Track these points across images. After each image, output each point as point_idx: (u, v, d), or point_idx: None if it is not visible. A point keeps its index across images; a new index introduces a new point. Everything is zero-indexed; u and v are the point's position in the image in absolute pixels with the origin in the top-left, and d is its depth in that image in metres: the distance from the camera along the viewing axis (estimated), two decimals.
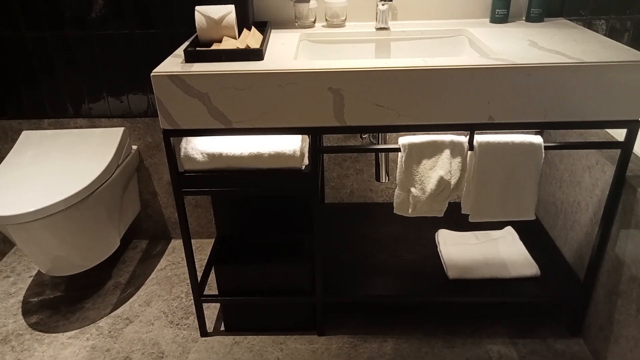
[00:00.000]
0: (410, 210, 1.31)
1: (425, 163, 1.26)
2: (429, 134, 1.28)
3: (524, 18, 1.60)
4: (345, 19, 1.61)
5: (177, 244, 2.06)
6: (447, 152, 1.25)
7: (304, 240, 1.61)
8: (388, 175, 1.65)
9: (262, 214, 1.68)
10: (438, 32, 1.54)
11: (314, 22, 1.61)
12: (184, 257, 1.95)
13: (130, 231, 2.04)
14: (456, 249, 1.64)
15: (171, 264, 1.94)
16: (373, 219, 1.85)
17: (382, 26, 1.55)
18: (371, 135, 1.64)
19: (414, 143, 1.26)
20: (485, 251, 1.63)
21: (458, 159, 1.25)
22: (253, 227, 1.69)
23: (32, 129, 1.85)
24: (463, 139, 1.26)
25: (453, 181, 1.26)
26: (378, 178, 1.65)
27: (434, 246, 1.70)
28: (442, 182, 1.25)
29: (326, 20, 1.61)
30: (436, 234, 1.73)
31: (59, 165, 1.62)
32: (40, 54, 1.74)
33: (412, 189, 1.28)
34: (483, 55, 1.33)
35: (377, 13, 1.54)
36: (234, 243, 1.62)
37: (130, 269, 1.92)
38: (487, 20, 1.61)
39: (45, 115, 1.84)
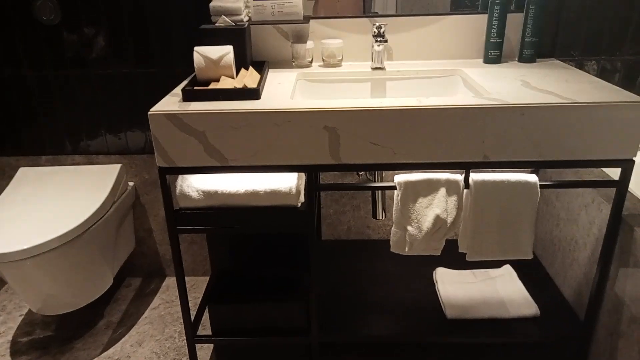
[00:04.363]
0: (407, 248, 1.30)
1: (422, 201, 1.26)
2: (424, 172, 1.29)
3: (516, 59, 1.63)
4: (342, 59, 1.64)
5: (171, 281, 2.03)
6: (443, 191, 1.25)
7: (300, 277, 1.59)
8: (385, 213, 1.65)
9: (258, 251, 1.66)
10: (433, 72, 1.57)
11: (311, 61, 1.64)
12: (177, 296, 1.92)
13: (124, 268, 2.02)
14: (454, 287, 1.62)
15: (165, 302, 1.91)
16: (370, 256, 1.83)
17: (378, 66, 1.58)
18: (367, 172, 1.64)
19: (410, 181, 1.26)
20: (484, 290, 1.61)
21: (454, 197, 1.25)
22: (248, 264, 1.67)
23: (30, 166, 1.86)
24: (459, 177, 1.27)
25: (449, 220, 1.25)
26: (375, 215, 1.64)
27: (431, 284, 1.67)
28: (438, 220, 1.24)
29: (323, 60, 1.64)
30: (434, 272, 1.71)
31: (54, 202, 1.62)
32: (40, 92, 1.77)
33: (409, 227, 1.28)
34: (477, 95, 1.35)
35: (372, 53, 1.57)
36: (229, 281, 1.60)
37: (122, 307, 1.89)
38: (481, 60, 1.64)
39: (43, 152, 1.85)
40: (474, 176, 1.26)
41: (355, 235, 1.98)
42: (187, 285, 1.91)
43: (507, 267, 1.70)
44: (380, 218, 1.65)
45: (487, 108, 1.19)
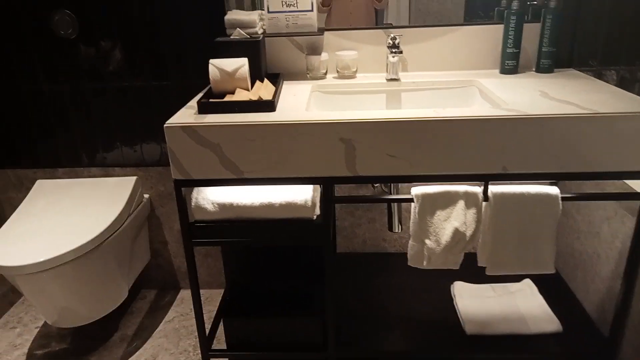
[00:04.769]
0: (425, 262, 1.28)
1: (440, 214, 1.23)
2: (442, 184, 1.27)
3: (533, 69, 1.61)
4: (356, 71, 1.63)
5: (186, 294, 2.02)
6: (461, 203, 1.23)
7: (316, 290, 1.57)
8: (401, 225, 1.62)
9: (273, 263, 1.65)
10: (448, 82, 1.55)
11: (326, 73, 1.64)
12: (192, 309, 1.91)
13: (138, 280, 2.01)
14: (473, 302, 1.59)
15: (179, 315, 1.90)
16: (386, 270, 1.81)
17: (393, 77, 1.57)
18: (382, 184, 1.63)
19: (427, 193, 1.24)
20: (504, 305, 1.57)
21: (473, 210, 1.23)
22: (263, 277, 1.66)
23: (47, 178, 1.87)
24: (477, 189, 1.24)
25: (468, 233, 1.23)
26: (391, 228, 1.62)
27: (449, 299, 1.64)
28: (457, 234, 1.22)
29: (337, 71, 1.63)
30: (452, 286, 1.68)
31: (71, 214, 1.62)
32: (56, 106, 1.79)
33: (427, 241, 1.26)
34: (495, 106, 1.33)
35: (387, 64, 1.57)
36: (244, 294, 1.58)
37: (137, 320, 1.88)
38: (497, 71, 1.62)
39: (60, 164, 1.87)
40: (493, 188, 1.24)
41: (371, 248, 1.95)
42: (201, 299, 1.90)
43: (527, 282, 1.67)
44: (396, 231, 1.63)
45: (506, 119, 1.17)
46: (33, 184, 1.86)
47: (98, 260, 1.56)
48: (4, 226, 1.58)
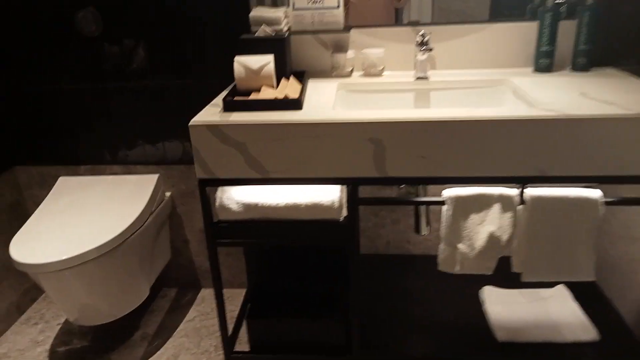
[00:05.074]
0: (457, 267, 1.23)
1: (474, 218, 1.19)
2: (475, 186, 1.22)
3: (569, 67, 1.55)
4: (383, 69, 1.59)
5: (207, 293, 2.00)
6: (497, 207, 1.18)
7: (339, 292, 1.54)
8: (429, 227, 1.58)
9: (295, 263, 1.62)
10: (479, 81, 1.50)
11: (351, 71, 1.60)
12: (214, 308, 1.90)
13: (159, 279, 2.00)
14: (504, 308, 1.54)
15: (200, 314, 1.88)
16: (411, 272, 1.76)
17: (421, 76, 1.52)
18: (409, 185, 1.58)
19: (461, 196, 1.20)
20: (536, 311, 1.52)
21: (509, 214, 1.18)
22: (286, 278, 1.63)
23: (69, 175, 1.87)
24: (513, 192, 1.19)
25: (504, 238, 1.18)
26: (418, 230, 1.57)
27: (478, 303, 1.59)
28: (492, 238, 1.17)
29: (363, 69, 1.59)
30: (480, 290, 1.63)
31: (93, 212, 1.61)
32: (79, 103, 1.78)
33: (460, 245, 1.21)
34: (530, 105, 1.27)
35: (415, 62, 1.52)
36: (267, 295, 1.56)
37: (158, 319, 1.87)
38: (530, 69, 1.56)
39: (83, 161, 1.86)
40: (530, 191, 1.19)
41: (395, 249, 1.91)
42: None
43: (560, 288, 1.61)
44: (424, 234, 1.58)
45: (544, 120, 1.12)
46: (55, 180, 1.85)
47: (120, 259, 1.54)
48: (27, 223, 1.57)
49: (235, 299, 1.95)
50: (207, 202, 1.28)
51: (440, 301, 1.61)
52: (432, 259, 1.71)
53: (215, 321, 1.83)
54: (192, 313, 1.89)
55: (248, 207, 1.29)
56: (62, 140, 1.85)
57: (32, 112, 1.82)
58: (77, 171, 1.88)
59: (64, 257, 1.39)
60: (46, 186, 1.91)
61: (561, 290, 1.60)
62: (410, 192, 1.66)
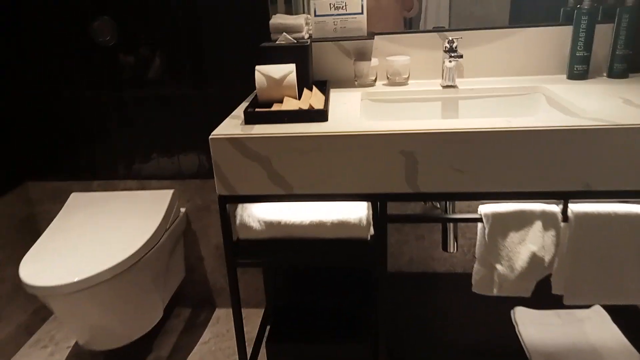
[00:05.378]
0: (495, 290, 1.14)
1: (513, 236, 1.10)
2: (514, 202, 1.13)
3: (605, 74, 1.47)
4: (408, 77, 1.52)
5: (222, 313, 1.92)
6: (538, 224, 1.09)
7: (363, 313, 1.45)
8: (457, 244, 1.49)
9: (316, 283, 1.54)
10: (511, 89, 1.42)
11: (375, 80, 1.53)
12: (229, 329, 1.82)
13: (173, 298, 1.93)
14: (538, 330, 1.44)
15: (215, 336, 1.80)
16: (436, 291, 1.68)
17: (449, 84, 1.45)
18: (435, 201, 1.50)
19: (499, 213, 1.11)
20: (572, 334, 1.42)
21: (552, 232, 1.09)
22: (307, 297, 1.55)
23: (82, 190, 1.81)
24: (556, 208, 1.11)
25: (547, 258, 1.09)
26: (446, 248, 1.49)
27: (509, 325, 1.50)
28: (534, 259, 1.08)
29: (388, 78, 1.52)
30: (512, 311, 1.54)
31: (106, 230, 1.55)
32: (92, 115, 1.73)
33: (498, 266, 1.12)
34: (570, 114, 1.19)
35: (443, 70, 1.45)
36: (287, 316, 1.47)
37: (172, 340, 1.79)
38: (563, 76, 1.48)
39: (96, 176, 1.80)
40: (574, 207, 1.10)
41: (419, 267, 1.82)
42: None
43: (597, 308, 1.51)
44: (452, 251, 1.50)
45: (590, 130, 1.03)
46: (68, 196, 1.79)
47: (134, 279, 1.47)
48: (37, 243, 1.50)
49: (251, 319, 1.86)
50: (227, 220, 1.20)
51: (470, 323, 1.52)
52: (458, 277, 1.62)
53: (231, 343, 1.75)
54: (206, 334, 1.81)
55: (270, 225, 1.21)
56: (74, 153, 1.79)
57: (44, 125, 1.77)
58: (90, 186, 1.82)
59: (75, 279, 1.32)
60: (58, 202, 1.85)
61: (598, 312, 1.50)
62: (434, 206, 1.59)
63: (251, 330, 1.81)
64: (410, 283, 1.73)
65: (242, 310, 1.90)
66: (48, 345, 1.79)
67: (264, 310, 1.84)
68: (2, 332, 1.72)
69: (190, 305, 1.96)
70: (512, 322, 1.51)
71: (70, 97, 1.71)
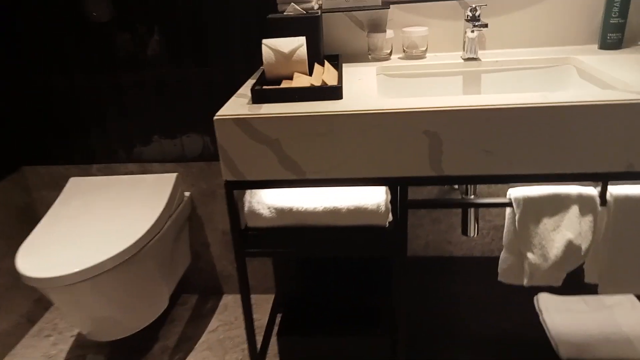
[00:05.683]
0: (526, 280, 1.06)
1: (547, 222, 1.01)
2: (547, 184, 1.04)
3: (639, 43, 1.36)
4: (426, 50, 1.41)
5: (229, 299, 1.86)
6: (574, 209, 1.00)
7: (381, 303, 1.38)
8: (477, 228, 1.41)
9: (329, 271, 1.46)
10: (538, 61, 1.31)
11: (390, 53, 1.42)
12: (237, 316, 1.76)
13: (179, 285, 1.85)
14: (564, 318, 1.37)
15: (223, 324, 1.73)
16: (454, 277, 1.60)
17: (471, 56, 1.34)
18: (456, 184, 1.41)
19: (530, 197, 1.02)
20: (601, 322, 1.35)
21: (589, 217, 1.00)
22: (319, 287, 1.47)
23: (81, 175, 1.73)
24: (593, 191, 1.01)
25: (584, 246, 1.00)
26: (466, 232, 1.40)
27: (533, 313, 1.42)
28: (570, 247, 0.99)
29: (404, 51, 1.41)
30: (535, 298, 1.46)
31: (107, 216, 1.47)
32: (89, 97, 1.63)
33: (529, 254, 1.03)
34: (607, 87, 1.09)
35: (464, 41, 1.34)
36: (299, 306, 1.40)
37: (178, 329, 1.73)
38: (595, 46, 1.37)
39: (95, 160, 1.72)
40: (614, 190, 1.01)
41: (434, 251, 1.73)
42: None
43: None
44: (472, 235, 1.41)
45: (635, 104, 0.93)
46: (66, 181, 1.71)
47: (138, 267, 1.40)
48: (35, 231, 1.43)
49: (261, 305, 1.79)
50: (235, 208, 1.12)
51: (491, 310, 1.44)
52: (476, 262, 1.54)
53: (239, 331, 1.69)
54: (214, 323, 1.74)
55: (282, 212, 1.12)
56: (72, 137, 1.70)
57: (39, 108, 1.67)
58: (89, 171, 1.73)
59: (76, 270, 1.24)
60: (57, 187, 1.76)
61: (628, 297, 1.42)
62: (453, 188, 1.50)
63: (261, 317, 1.74)
64: (427, 268, 1.65)
65: (251, 297, 1.84)
66: (51, 335, 1.74)
67: (274, 296, 1.77)
68: (4, 322, 1.66)
69: (196, 292, 1.90)
70: (535, 310, 1.43)
71: (64, 78, 1.61)
